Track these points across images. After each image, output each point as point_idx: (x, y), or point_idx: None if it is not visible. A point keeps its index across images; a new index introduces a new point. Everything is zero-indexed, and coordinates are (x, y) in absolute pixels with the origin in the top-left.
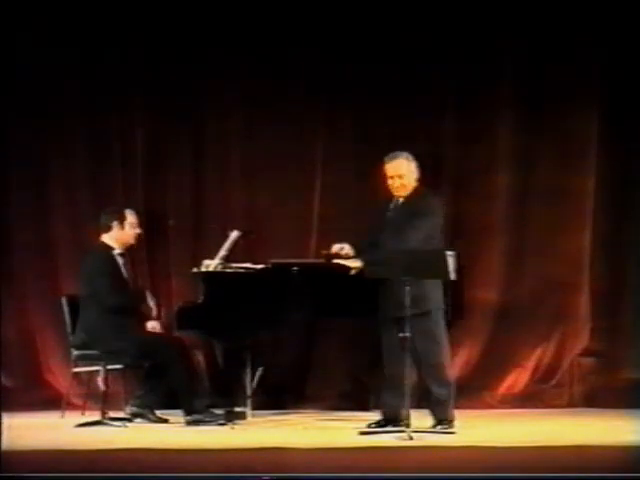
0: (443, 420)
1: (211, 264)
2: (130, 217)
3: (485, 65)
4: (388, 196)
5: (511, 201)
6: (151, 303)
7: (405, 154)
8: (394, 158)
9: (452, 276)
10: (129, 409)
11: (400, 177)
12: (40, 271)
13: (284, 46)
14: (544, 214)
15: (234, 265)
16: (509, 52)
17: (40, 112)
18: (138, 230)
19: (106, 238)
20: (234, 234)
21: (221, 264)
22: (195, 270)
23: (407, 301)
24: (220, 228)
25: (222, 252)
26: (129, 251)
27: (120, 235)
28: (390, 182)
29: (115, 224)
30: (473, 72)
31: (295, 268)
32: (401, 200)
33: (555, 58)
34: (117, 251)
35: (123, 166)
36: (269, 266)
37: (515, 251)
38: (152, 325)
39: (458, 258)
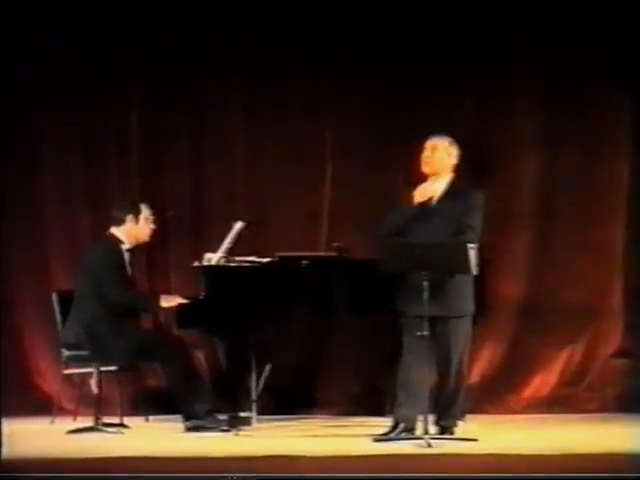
0: (447, 427)
1: (213, 257)
2: (145, 211)
3: (505, 43)
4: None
5: (537, 189)
6: (172, 303)
7: (449, 138)
8: (436, 135)
9: (474, 270)
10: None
11: (433, 150)
12: (28, 265)
13: (290, 26)
14: (573, 203)
15: (238, 258)
16: (532, 28)
17: (28, 98)
18: (152, 226)
19: (116, 231)
20: (238, 225)
21: (224, 257)
22: (196, 264)
23: (425, 296)
24: (223, 218)
25: (225, 244)
26: (137, 248)
27: (134, 230)
28: (422, 156)
29: (129, 218)
30: (492, 52)
31: (304, 262)
32: (436, 187)
33: (583, 34)
34: (126, 246)
35: (118, 153)
36: (276, 259)
37: (542, 243)
38: (167, 300)
39: (480, 251)
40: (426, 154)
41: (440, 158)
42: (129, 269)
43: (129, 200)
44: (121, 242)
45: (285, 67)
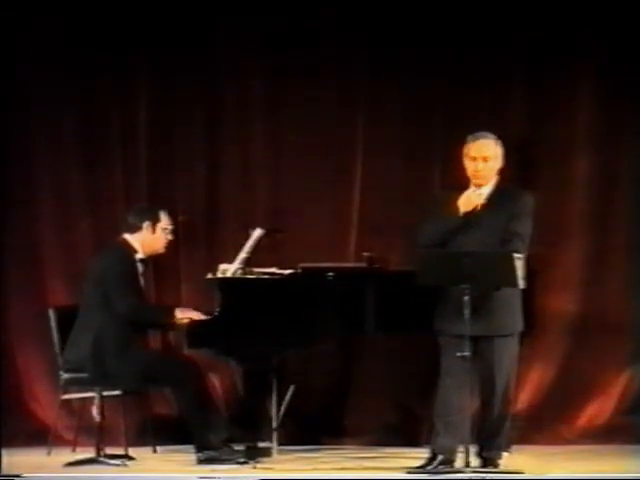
0: (491, 460)
1: (229, 269)
2: (164, 220)
3: (558, 28)
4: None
5: (593, 191)
6: (187, 314)
7: (494, 136)
8: (481, 137)
9: (521, 283)
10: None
11: (485, 160)
12: (21, 276)
13: (320, 5)
14: (633, 206)
15: (257, 270)
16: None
17: (20, 82)
18: (170, 237)
19: (130, 238)
20: (257, 232)
21: (241, 269)
22: (210, 276)
23: (467, 313)
24: (241, 225)
25: (242, 254)
26: (150, 259)
27: (149, 239)
28: (471, 166)
29: (146, 225)
30: (543, 37)
31: (330, 274)
32: (482, 193)
33: None
34: (139, 256)
35: (123, 150)
36: (299, 271)
37: (598, 252)
38: (182, 311)
39: (528, 261)
40: (477, 167)
41: (492, 168)
42: (142, 281)
43: (148, 205)
44: (134, 251)
45: (311, 52)
